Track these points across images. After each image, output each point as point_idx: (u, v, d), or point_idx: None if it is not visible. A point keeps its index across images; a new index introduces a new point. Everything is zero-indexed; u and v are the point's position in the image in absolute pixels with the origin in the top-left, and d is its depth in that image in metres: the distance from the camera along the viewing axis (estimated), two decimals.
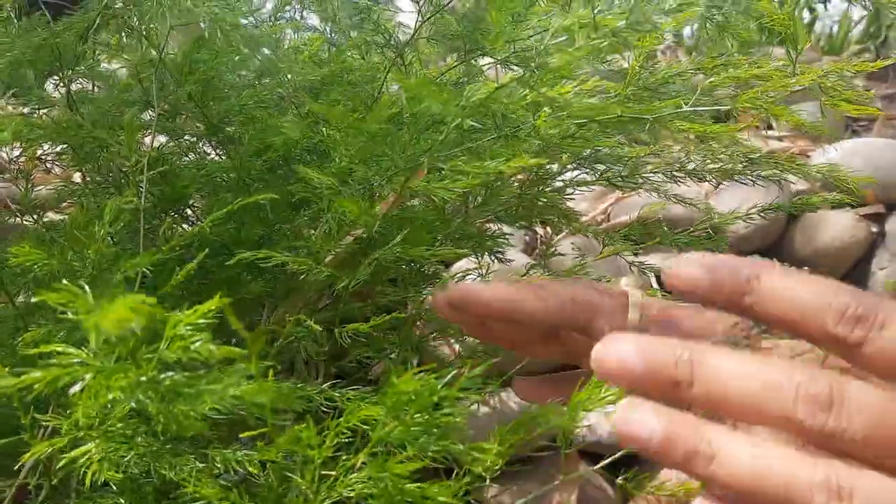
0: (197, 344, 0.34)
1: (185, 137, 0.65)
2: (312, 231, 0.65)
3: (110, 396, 0.35)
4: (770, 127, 1.97)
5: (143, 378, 0.34)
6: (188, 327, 0.34)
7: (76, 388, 0.34)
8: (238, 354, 0.33)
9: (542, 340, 0.48)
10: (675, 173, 0.63)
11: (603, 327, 0.42)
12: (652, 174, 0.63)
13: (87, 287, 0.33)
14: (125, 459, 0.44)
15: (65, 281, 0.52)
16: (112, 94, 0.58)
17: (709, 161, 0.67)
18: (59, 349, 0.37)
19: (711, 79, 0.47)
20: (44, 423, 0.49)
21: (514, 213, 0.63)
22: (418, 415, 0.39)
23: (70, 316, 0.35)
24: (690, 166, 0.67)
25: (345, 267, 0.60)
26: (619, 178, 0.63)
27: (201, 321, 0.34)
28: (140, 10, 0.52)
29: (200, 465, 0.44)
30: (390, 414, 0.39)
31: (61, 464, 0.40)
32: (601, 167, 0.64)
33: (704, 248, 0.69)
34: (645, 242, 0.69)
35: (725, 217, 0.76)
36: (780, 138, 1.92)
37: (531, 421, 0.39)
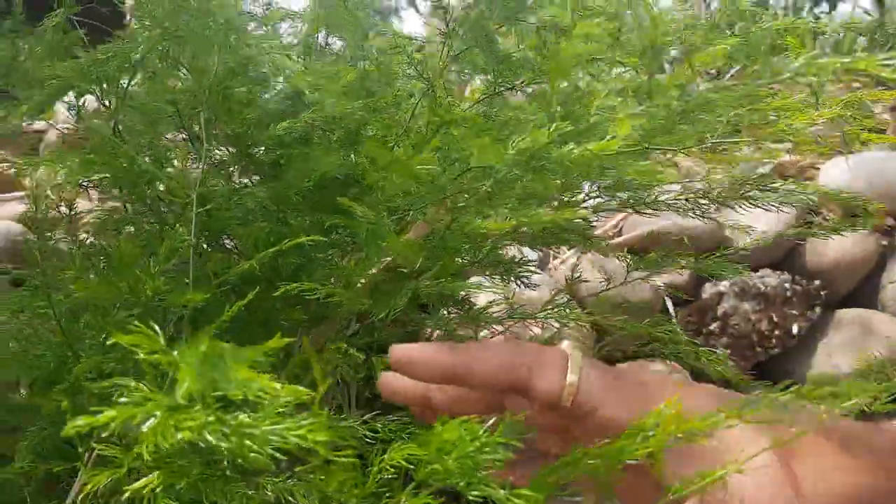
0: (262, 383, 0.36)
1: (223, 167, 0.67)
2: (343, 258, 0.67)
3: (179, 436, 0.37)
4: (779, 140, 1.98)
5: (211, 419, 0.36)
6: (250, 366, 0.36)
7: (146, 426, 0.36)
8: (303, 394, 0.35)
9: (486, 410, 0.48)
10: (699, 200, 0.65)
11: (543, 387, 0.43)
12: (674, 200, 0.65)
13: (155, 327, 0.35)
14: (178, 488, 0.45)
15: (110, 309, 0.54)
16: (154, 125, 0.60)
17: (728, 186, 0.69)
18: (130, 384, 0.39)
19: (737, 111, 0.49)
20: (99, 452, 0.51)
21: (540, 237, 0.65)
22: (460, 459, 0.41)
23: (143, 356, 0.37)
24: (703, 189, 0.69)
25: (377, 293, 0.62)
26: (643, 205, 0.65)
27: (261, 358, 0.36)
28: (190, 45, 0.54)
29: (251, 493, 0.46)
30: (433, 458, 0.41)
31: (125, 496, 0.42)
32: (624, 195, 0.66)
33: (732, 272, 0.70)
34: (668, 265, 0.71)
35: (758, 237, 0.77)
36: (788, 151, 1.93)
37: (569, 465, 0.40)
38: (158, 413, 0.37)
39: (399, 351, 0.46)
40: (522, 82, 0.61)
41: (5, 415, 0.63)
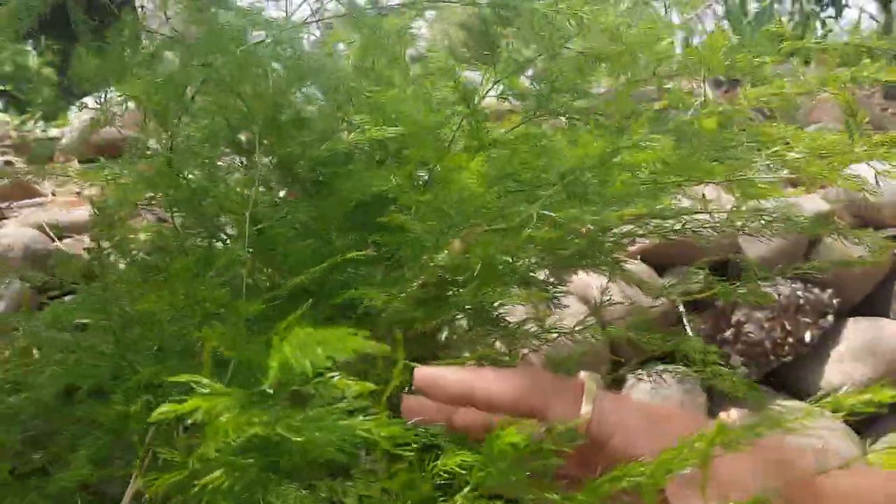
0: (334, 379, 0.38)
1: (266, 183, 0.70)
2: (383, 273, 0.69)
3: (251, 431, 0.39)
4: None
5: (281, 413, 0.39)
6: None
7: (223, 418, 0.39)
8: (371, 389, 0.38)
9: None
10: (724, 229, 0.67)
11: (558, 414, 0.45)
12: (702, 228, 0.67)
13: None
14: (235, 489, 0.48)
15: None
16: (208, 145, 0.63)
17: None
18: (198, 380, 0.41)
19: (775, 148, 0.51)
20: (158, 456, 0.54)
21: (572, 261, 0.68)
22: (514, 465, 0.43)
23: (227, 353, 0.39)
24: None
25: (418, 306, 0.65)
26: (672, 232, 0.67)
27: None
28: (242, 73, 0.57)
29: (305, 493, 0.48)
30: (489, 462, 0.43)
31: (195, 491, 0.44)
32: (656, 222, 0.68)
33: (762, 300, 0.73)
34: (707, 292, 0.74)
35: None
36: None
37: (619, 476, 0.42)
38: (234, 406, 0.39)
39: (423, 373, 0.49)
40: (562, 107, 0.64)
41: (61, 424, 0.65)
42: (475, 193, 0.57)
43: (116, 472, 0.61)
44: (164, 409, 0.40)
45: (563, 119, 0.69)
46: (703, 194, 0.62)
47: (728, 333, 1.51)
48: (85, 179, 0.65)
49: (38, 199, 2.05)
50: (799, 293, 1.56)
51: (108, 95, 0.83)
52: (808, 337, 1.54)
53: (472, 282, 0.58)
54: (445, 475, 0.45)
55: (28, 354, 0.91)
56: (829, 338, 1.60)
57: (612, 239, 0.66)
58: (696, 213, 0.65)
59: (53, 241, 1.76)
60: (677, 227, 0.66)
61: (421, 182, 0.69)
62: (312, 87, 0.70)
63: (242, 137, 0.73)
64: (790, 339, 1.52)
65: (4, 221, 1.95)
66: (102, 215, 0.57)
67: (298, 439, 0.40)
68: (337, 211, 0.65)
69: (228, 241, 0.63)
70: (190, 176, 0.59)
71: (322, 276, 0.66)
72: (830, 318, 1.57)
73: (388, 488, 0.44)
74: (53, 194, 2.12)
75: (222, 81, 0.60)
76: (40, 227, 1.81)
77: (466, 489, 0.44)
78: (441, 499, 0.45)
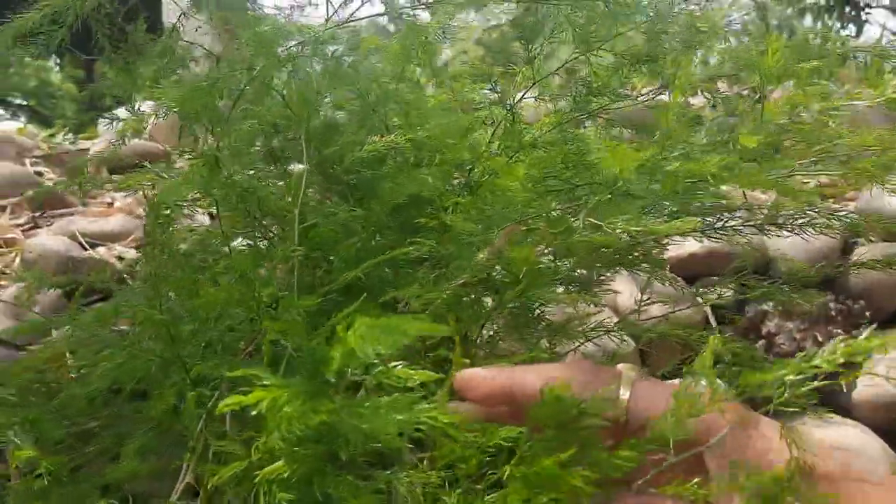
0: (397, 368, 0.39)
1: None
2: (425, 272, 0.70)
3: (316, 420, 0.40)
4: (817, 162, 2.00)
5: (344, 402, 0.39)
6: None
7: (287, 409, 0.40)
8: (434, 378, 0.39)
9: None
10: (766, 226, 0.67)
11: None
12: (742, 226, 0.68)
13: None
14: (292, 480, 0.48)
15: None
16: (254, 147, 0.64)
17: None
18: (258, 374, 0.42)
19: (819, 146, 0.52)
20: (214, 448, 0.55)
21: (614, 260, 0.68)
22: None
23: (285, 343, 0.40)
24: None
25: (461, 305, 0.65)
26: (712, 230, 0.67)
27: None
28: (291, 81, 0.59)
29: (362, 484, 0.49)
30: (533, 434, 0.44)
31: (257, 479, 0.45)
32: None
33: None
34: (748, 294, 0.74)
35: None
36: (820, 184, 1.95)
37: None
38: (297, 397, 0.40)
39: (462, 375, 0.50)
40: (602, 108, 0.65)
41: (108, 421, 0.66)
42: (517, 194, 0.58)
43: (166, 465, 0.62)
44: (230, 401, 0.41)
45: (596, 122, 0.69)
46: (744, 192, 0.63)
47: (759, 345, 1.50)
48: (126, 187, 0.66)
49: (70, 209, 2.09)
50: (831, 304, 1.54)
51: (139, 107, 0.85)
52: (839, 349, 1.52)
53: (514, 282, 0.59)
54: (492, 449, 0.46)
55: (60, 359, 0.93)
56: None
57: (652, 238, 0.67)
58: (737, 209, 0.65)
59: (86, 249, 1.79)
60: (717, 225, 0.66)
61: (460, 183, 0.70)
62: (347, 91, 0.71)
63: (275, 142, 0.75)
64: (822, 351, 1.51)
65: (37, 230, 1.99)
66: (154, 215, 0.58)
67: (360, 428, 0.41)
68: (377, 212, 0.66)
69: (274, 242, 0.65)
70: (237, 176, 0.60)
71: (365, 275, 0.67)
72: (863, 329, 1.55)
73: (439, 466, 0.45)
74: (85, 204, 2.16)
75: (265, 84, 0.62)
76: (73, 236, 1.84)
77: (514, 459, 0.44)
78: (490, 472, 0.46)
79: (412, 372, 0.38)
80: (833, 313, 1.52)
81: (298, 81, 0.61)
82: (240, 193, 0.60)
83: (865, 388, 1.48)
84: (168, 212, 0.57)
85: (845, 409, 1.52)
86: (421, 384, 0.41)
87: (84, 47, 0.79)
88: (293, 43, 0.67)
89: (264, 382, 0.41)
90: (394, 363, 0.39)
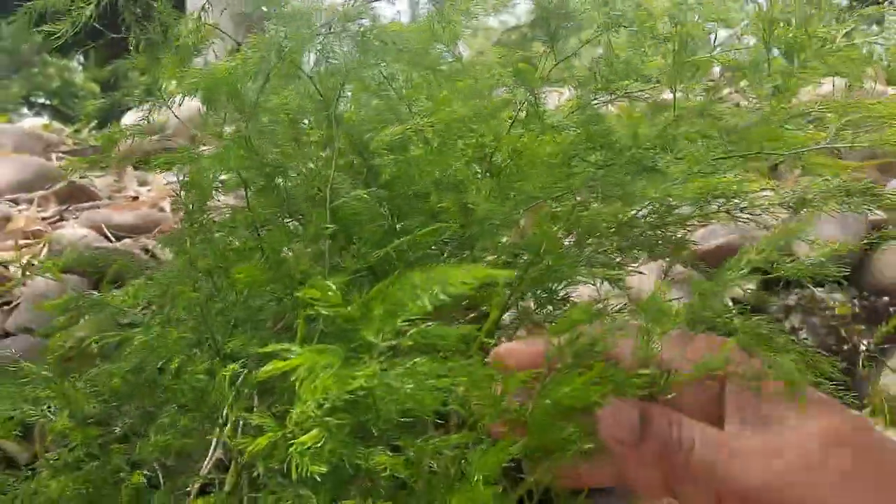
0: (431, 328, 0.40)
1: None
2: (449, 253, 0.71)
3: (355, 384, 0.41)
4: (840, 155, 1.98)
5: (382, 368, 0.40)
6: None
7: (325, 373, 0.40)
8: (471, 335, 0.39)
9: None
10: (791, 205, 0.67)
11: (626, 355, 0.46)
12: (769, 206, 0.67)
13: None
14: (324, 451, 0.49)
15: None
16: (284, 130, 0.65)
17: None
18: (293, 348, 0.43)
19: (847, 118, 0.52)
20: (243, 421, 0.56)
21: (638, 242, 0.68)
22: None
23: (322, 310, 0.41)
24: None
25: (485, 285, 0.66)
26: (738, 211, 0.67)
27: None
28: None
29: (391, 455, 0.49)
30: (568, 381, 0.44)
31: (291, 449, 0.46)
32: (715, 204, 0.69)
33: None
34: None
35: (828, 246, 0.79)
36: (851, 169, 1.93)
37: None
38: (334, 362, 0.41)
39: (500, 348, 0.51)
40: (623, 89, 0.65)
41: (140, 397, 0.67)
42: (542, 172, 0.59)
43: (195, 442, 0.63)
44: (269, 368, 0.42)
45: (621, 102, 0.70)
46: (770, 168, 0.63)
47: (782, 340, 1.48)
48: (161, 165, 0.67)
49: (95, 202, 2.12)
50: (854, 300, 1.53)
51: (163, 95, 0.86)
52: (863, 345, 1.51)
53: (539, 261, 0.59)
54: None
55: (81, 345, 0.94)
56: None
57: (673, 219, 0.67)
58: (762, 190, 0.65)
59: (111, 240, 1.82)
60: (743, 205, 0.66)
61: (483, 166, 0.70)
62: (374, 73, 0.72)
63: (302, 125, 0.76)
64: (845, 347, 1.49)
65: (64, 223, 2.02)
66: (188, 197, 0.59)
67: (397, 392, 0.42)
68: (402, 194, 0.67)
69: (302, 222, 0.65)
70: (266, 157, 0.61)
71: (390, 257, 0.68)
72: (886, 325, 1.54)
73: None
74: (110, 198, 2.19)
75: (292, 65, 0.62)
76: (98, 228, 1.87)
77: (547, 401, 0.45)
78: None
79: (448, 329, 0.39)
80: (857, 310, 1.50)
81: (327, 62, 0.62)
82: (268, 174, 0.61)
83: None
84: (202, 190, 0.58)
85: None
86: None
87: (109, 48, 0.80)
88: (320, 23, 0.68)
89: (297, 352, 0.42)
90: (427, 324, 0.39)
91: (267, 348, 0.44)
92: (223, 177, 0.69)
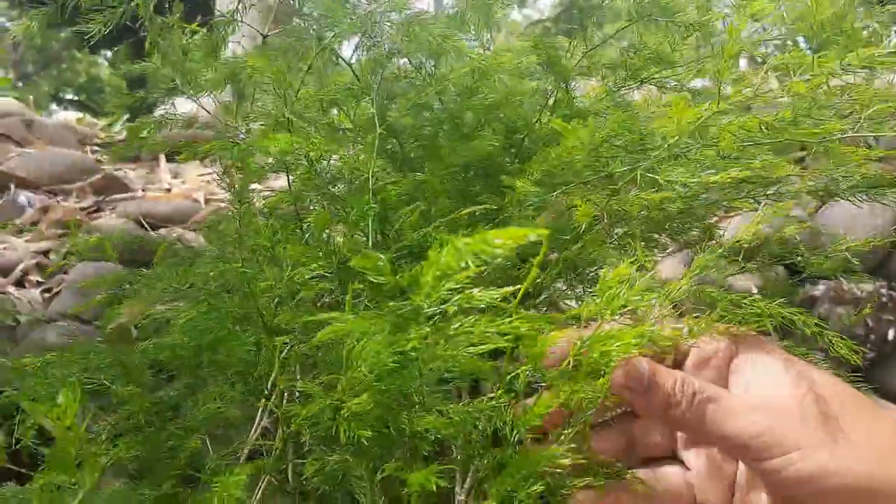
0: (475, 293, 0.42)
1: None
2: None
3: (409, 345, 0.44)
4: (869, 146, 1.98)
5: (430, 329, 0.43)
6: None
7: (376, 339, 0.43)
8: (511, 292, 0.41)
9: None
10: (819, 192, 0.69)
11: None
12: (800, 193, 0.69)
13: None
14: (370, 417, 0.52)
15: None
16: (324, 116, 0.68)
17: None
18: (344, 315, 0.46)
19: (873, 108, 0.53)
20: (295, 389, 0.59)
21: (667, 227, 0.70)
22: None
23: (374, 278, 0.43)
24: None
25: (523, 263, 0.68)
26: (765, 197, 0.69)
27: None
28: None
29: (435, 417, 0.52)
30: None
31: (342, 412, 0.49)
32: (749, 186, 0.70)
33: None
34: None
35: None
36: (879, 159, 1.92)
37: None
38: (386, 326, 0.43)
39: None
40: (651, 76, 0.67)
41: (190, 369, 0.71)
42: (577, 154, 0.61)
43: (243, 413, 0.66)
44: (326, 332, 0.45)
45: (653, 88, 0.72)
46: (797, 160, 0.64)
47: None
48: (209, 151, 0.70)
49: (130, 194, 2.18)
50: (882, 290, 1.53)
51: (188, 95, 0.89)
52: (891, 335, 1.51)
53: (574, 241, 0.62)
54: None
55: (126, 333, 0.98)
56: None
57: (700, 205, 0.69)
58: (790, 174, 0.66)
59: (147, 230, 1.87)
60: (770, 191, 0.68)
61: (516, 149, 0.73)
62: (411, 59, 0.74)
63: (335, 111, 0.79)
64: (872, 337, 1.50)
65: (101, 213, 2.08)
66: (234, 179, 0.62)
67: (436, 361, 0.45)
68: (439, 176, 0.69)
69: (342, 205, 0.68)
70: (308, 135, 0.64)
71: (428, 237, 0.71)
72: None
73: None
74: (144, 190, 2.25)
75: (334, 50, 0.65)
76: (134, 219, 1.92)
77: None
78: None
79: (493, 292, 0.41)
80: (884, 300, 1.51)
81: (367, 50, 0.65)
82: (310, 157, 0.64)
83: None
84: (246, 173, 0.61)
85: None
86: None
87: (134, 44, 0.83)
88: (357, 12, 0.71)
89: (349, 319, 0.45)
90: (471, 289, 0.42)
91: (316, 317, 0.47)
92: (265, 161, 0.72)
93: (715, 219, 0.74)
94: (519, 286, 0.42)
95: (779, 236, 0.91)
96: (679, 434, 0.54)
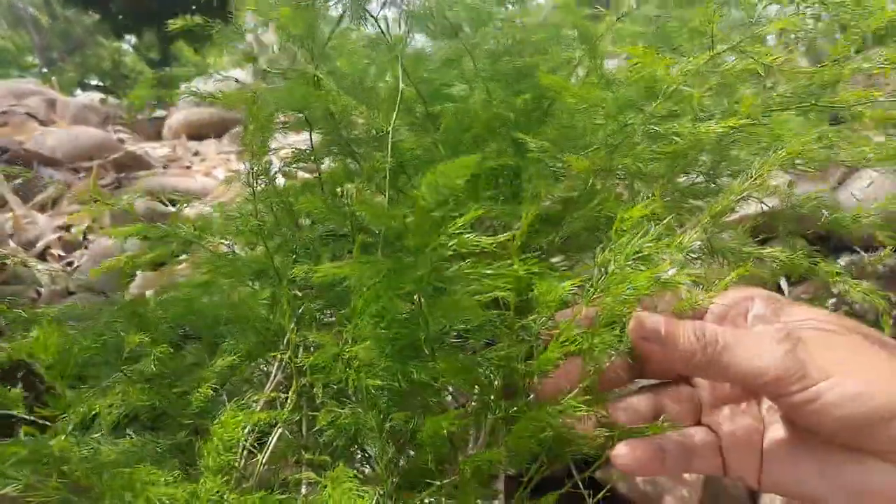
0: (470, 237, 0.42)
1: None
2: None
3: (406, 289, 0.43)
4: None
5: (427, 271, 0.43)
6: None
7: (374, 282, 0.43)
8: (502, 240, 0.41)
9: None
10: (845, 162, 0.67)
11: None
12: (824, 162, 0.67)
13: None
14: (378, 367, 0.52)
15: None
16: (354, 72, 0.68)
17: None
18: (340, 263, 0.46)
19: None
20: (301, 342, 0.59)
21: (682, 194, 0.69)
22: None
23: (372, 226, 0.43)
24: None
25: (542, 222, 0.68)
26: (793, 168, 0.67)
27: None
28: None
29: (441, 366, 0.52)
30: None
31: (349, 357, 0.49)
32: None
33: None
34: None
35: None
36: None
37: None
38: (382, 270, 0.43)
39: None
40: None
41: (207, 325, 0.71)
42: (597, 117, 0.60)
43: (256, 368, 0.66)
44: (324, 268, 0.45)
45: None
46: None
47: (830, 304, 1.47)
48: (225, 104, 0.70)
49: (151, 171, 2.20)
50: None
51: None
52: None
53: (588, 200, 0.61)
54: None
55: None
56: None
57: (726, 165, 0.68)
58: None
59: (167, 206, 1.89)
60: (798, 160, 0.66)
61: (542, 112, 0.72)
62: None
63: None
64: (895, 312, 1.47)
65: (121, 190, 2.10)
66: (249, 134, 0.62)
67: (445, 300, 0.45)
68: (460, 139, 0.69)
69: (361, 162, 0.68)
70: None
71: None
72: None
73: None
74: (165, 167, 2.27)
75: (361, 9, 0.65)
76: (155, 195, 1.94)
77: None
78: None
79: (486, 238, 0.41)
80: None
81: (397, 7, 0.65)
82: (332, 113, 0.64)
83: None
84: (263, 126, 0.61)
85: None
86: None
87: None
88: None
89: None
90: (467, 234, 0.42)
91: (321, 268, 0.47)
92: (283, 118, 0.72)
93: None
94: (513, 234, 0.42)
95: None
96: (705, 400, 0.53)
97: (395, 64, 0.64)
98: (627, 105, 0.63)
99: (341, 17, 0.63)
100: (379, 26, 0.66)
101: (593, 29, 0.71)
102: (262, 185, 0.66)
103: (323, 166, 0.71)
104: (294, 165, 0.71)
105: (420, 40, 0.78)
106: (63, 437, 0.51)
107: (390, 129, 0.59)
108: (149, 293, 1.40)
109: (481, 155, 0.67)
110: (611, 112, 0.61)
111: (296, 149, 0.71)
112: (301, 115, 0.67)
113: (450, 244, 0.43)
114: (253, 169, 0.63)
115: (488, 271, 0.42)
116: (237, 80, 0.88)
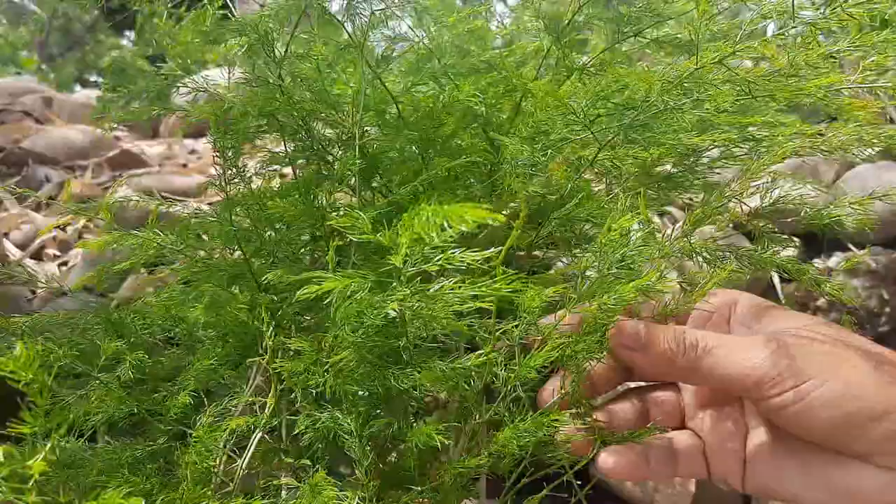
0: (455, 255, 0.42)
1: None
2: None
3: (390, 306, 0.43)
4: (892, 120, 1.93)
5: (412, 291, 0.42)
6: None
7: (357, 298, 0.43)
8: (488, 255, 0.41)
9: None
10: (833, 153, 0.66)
11: None
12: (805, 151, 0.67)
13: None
14: (357, 373, 0.52)
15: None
16: (320, 77, 0.67)
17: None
18: (325, 274, 0.45)
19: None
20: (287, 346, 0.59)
21: (659, 188, 0.69)
22: None
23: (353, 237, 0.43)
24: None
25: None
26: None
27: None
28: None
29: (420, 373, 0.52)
30: None
31: (328, 365, 0.48)
32: (746, 147, 0.68)
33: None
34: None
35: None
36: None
37: None
38: (366, 285, 0.43)
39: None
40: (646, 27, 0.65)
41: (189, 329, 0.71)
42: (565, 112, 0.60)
43: (237, 372, 0.66)
44: (306, 291, 0.44)
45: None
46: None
47: (822, 301, 1.46)
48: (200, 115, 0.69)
49: (146, 169, 2.20)
50: None
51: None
52: None
53: (567, 199, 0.61)
54: None
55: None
56: None
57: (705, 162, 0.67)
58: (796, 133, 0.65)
59: (162, 205, 1.89)
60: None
61: (512, 110, 0.72)
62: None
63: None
64: (887, 309, 1.47)
65: (116, 188, 2.10)
66: (221, 140, 0.62)
67: (418, 320, 0.44)
68: (431, 136, 0.68)
69: (333, 164, 0.68)
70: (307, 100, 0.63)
71: (417, 192, 0.70)
72: None
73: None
74: (160, 166, 2.27)
75: (324, 12, 0.64)
76: (150, 193, 1.94)
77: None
78: None
79: (471, 254, 0.41)
80: None
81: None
82: (300, 117, 0.63)
83: None
84: (236, 133, 0.61)
85: None
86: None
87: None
88: None
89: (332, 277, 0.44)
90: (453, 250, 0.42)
91: (300, 276, 0.47)
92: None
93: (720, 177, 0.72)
94: (501, 248, 0.42)
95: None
96: (688, 404, 0.53)
97: (360, 66, 0.63)
98: (599, 98, 0.62)
99: (297, 22, 0.62)
100: (342, 26, 0.65)
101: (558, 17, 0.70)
102: (238, 190, 0.66)
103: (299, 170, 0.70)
104: (270, 168, 0.71)
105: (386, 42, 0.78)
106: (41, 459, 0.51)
107: (356, 130, 0.59)
108: (148, 293, 1.40)
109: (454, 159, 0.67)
110: (581, 107, 0.61)
111: (271, 152, 0.71)
112: (265, 120, 0.66)
113: (435, 259, 0.43)
114: (225, 173, 0.62)
115: (472, 293, 0.41)
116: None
